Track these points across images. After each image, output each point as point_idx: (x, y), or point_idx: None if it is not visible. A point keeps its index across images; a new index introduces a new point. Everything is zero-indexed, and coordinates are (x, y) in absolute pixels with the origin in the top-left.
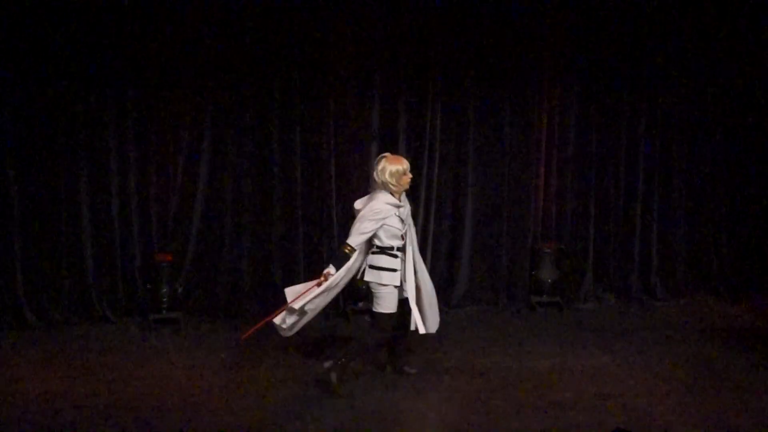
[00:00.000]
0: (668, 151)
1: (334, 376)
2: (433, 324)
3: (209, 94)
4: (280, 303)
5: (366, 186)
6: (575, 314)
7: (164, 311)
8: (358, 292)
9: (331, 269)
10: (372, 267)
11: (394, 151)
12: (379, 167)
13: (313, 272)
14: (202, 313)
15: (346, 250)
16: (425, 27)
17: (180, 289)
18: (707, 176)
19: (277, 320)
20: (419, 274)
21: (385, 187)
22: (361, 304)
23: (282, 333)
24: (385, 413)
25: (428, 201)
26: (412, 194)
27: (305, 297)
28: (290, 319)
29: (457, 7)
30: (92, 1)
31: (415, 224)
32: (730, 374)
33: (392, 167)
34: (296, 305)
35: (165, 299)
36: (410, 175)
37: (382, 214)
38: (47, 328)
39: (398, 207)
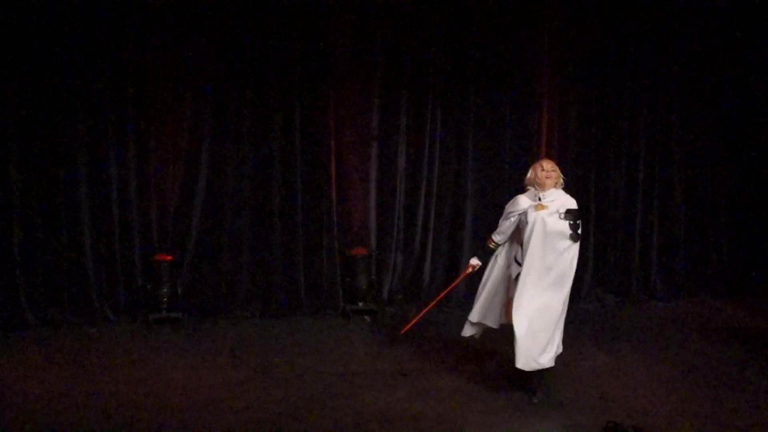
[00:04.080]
0: (668, 151)
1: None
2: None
3: (209, 95)
4: (280, 303)
5: (365, 185)
6: (575, 314)
7: (164, 311)
8: (357, 292)
9: (474, 260)
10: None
11: (394, 151)
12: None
13: (313, 272)
14: (202, 313)
15: (491, 245)
16: (425, 27)
17: (180, 289)
18: (708, 176)
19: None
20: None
21: (529, 182)
22: (361, 304)
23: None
24: (385, 413)
25: (428, 201)
26: (411, 193)
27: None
28: (468, 329)
29: (457, 7)
30: (93, 1)
31: (415, 224)
32: (729, 374)
33: (535, 164)
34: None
35: (165, 299)
36: (547, 170)
37: (512, 208)
38: (47, 328)
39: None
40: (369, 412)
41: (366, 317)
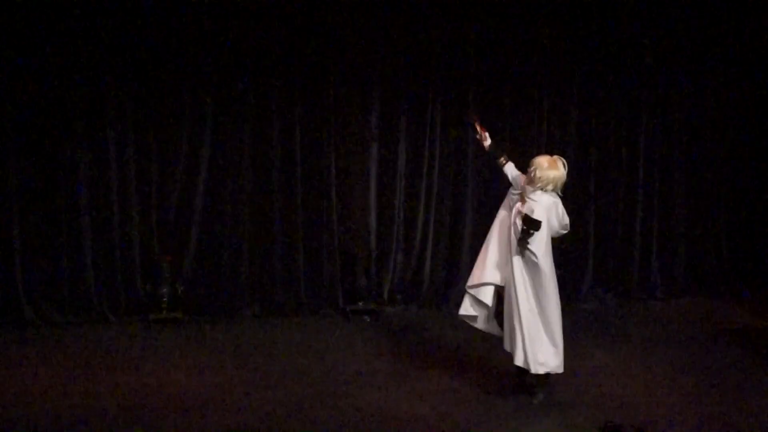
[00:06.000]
0: (668, 151)
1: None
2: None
3: (210, 94)
4: (279, 303)
5: (365, 185)
6: (575, 314)
7: (164, 311)
8: (357, 292)
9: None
10: None
11: (394, 151)
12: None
13: (313, 272)
14: (202, 313)
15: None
16: (425, 27)
17: (180, 289)
18: (707, 177)
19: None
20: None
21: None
22: (361, 304)
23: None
24: (385, 413)
25: (428, 200)
26: (411, 194)
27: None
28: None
29: (457, 8)
30: (93, 1)
31: (415, 224)
32: (730, 374)
33: (542, 164)
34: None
35: (165, 299)
36: (538, 175)
37: (514, 180)
38: (47, 327)
39: (518, 193)
40: (369, 412)
41: (366, 317)
